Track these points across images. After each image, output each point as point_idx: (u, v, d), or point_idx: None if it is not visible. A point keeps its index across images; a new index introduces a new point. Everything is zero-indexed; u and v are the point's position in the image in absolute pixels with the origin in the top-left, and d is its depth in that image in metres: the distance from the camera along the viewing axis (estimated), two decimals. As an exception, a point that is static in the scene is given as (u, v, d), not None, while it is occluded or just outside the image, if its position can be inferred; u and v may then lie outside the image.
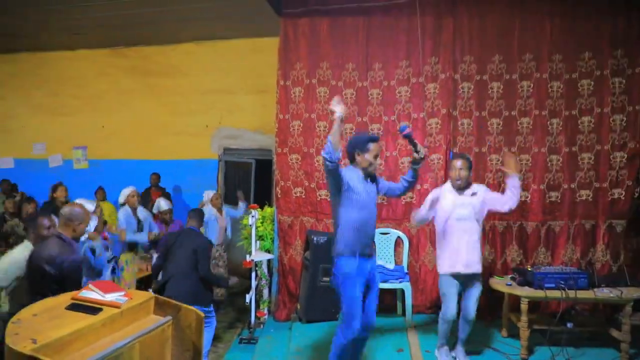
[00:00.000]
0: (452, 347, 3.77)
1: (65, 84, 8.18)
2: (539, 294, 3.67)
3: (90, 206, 3.78)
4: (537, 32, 4.57)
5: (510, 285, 3.88)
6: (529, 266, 4.14)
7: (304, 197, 4.91)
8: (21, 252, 3.27)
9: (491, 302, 4.38)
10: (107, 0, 5.71)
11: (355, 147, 3.15)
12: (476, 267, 3.56)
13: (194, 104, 7.50)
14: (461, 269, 3.52)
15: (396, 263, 4.78)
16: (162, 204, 5.55)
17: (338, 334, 3.14)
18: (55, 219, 3.36)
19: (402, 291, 4.60)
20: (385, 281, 4.40)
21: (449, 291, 3.56)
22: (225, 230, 5.80)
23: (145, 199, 6.31)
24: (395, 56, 4.80)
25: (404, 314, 4.61)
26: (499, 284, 3.98)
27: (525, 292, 3.73)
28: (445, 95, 4.71)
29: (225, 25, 6.66)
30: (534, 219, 4.59)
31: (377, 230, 4.61)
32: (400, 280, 4.52)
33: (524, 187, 4.45)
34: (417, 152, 3.14)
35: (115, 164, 7.79)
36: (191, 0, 5.62)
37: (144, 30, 6.97)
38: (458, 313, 3.61)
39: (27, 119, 8.42)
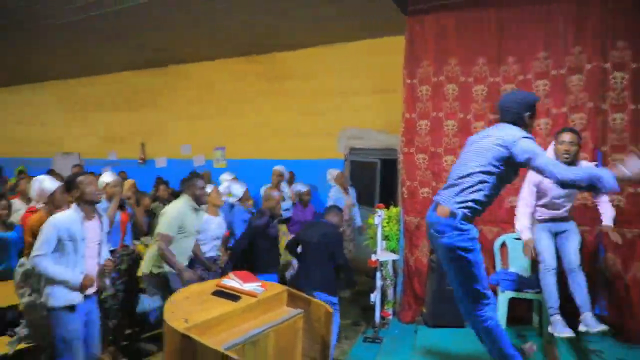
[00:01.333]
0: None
1: (207, 91, 9.10)
2: None
3: None
4: None
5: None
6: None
7: (431, 197, 4.77)
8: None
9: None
10: (238, 14, 6.18)
11: (527, 109, 2.81)
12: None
13: (321, 105, 7.77)
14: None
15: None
16: (300, 186, 6.34)
17: (489, 317, 2.75)
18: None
19: (539, 302, 4.22)
20: (519, 290, 4.08)
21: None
22: (352, 210, 6.35)
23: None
24: (532, 47, 4.41)
25: (540, 326, 4.22)
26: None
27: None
28: (592, 88, 4.21)
29: (349, 28, 6.79)
30: None
31: (511, 235, 4.32)
32: (537, 291, 4.14)
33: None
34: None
35: (251, 163, 8.43)
36: (316, 4, 5.82)
37: (274, 38, 7.42)
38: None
39: (176, 124, 9.56)
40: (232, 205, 5.31)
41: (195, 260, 4.14)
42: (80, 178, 3.07)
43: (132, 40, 7.60)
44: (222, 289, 2.78)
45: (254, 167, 8.20)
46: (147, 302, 5.09)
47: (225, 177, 6.25)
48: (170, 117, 9.64)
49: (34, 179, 3.88)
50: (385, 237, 4.85)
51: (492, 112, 4.54)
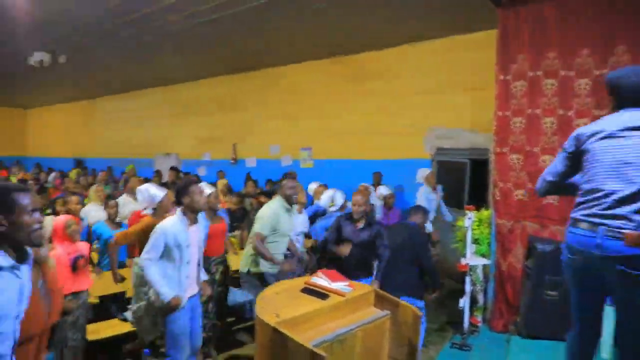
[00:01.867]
0: None
1: (294, 92, 9.35)
2: None
3: None
4: None
5: None
6: None
7: (526, 200, 4.50)
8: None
9: None
10: (328, 16, 6.27)
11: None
12: None
13: (407, 105, 7.65)
14: None
15: None
16: (383, 190, 6.36)
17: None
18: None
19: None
20: None
21: None
22: (439, 208, 6.32)
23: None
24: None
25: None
26: None
27: None
28: None
29: (436, 24, 6.61)
30: None
31: None
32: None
33: None
34: None
35: (336, 163, 8.53)
36: (404, 1, 5.73)
37: (361, 38, 7.44)
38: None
39: (265, 125, 9.95)
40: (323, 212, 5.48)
41: (289, 257, 4.28)
42: (192, 187, 3.28)
43: (230, 45, 8.03)
44: (311, 287, 2.85)
45: (340, 167, 8.30)
46: (238, 295, 5.37)
47: (313, 187, 6.37)
48: (260, 119, 10.06)
49: (141, 186, 4.17)
50: (475, 241, 4.66)
51: (597, 108, 4.18)
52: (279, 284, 2.98)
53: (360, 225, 3.99)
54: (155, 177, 9.06)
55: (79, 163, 15.16)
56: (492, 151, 4.80)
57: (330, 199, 5.43)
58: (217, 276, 4.32)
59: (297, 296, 2.77)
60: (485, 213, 4.75)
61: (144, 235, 3.67)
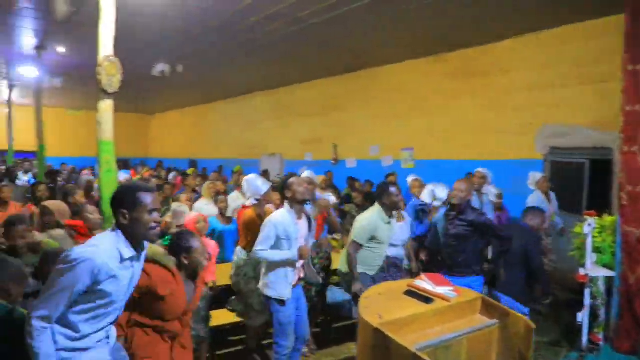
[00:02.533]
0: None
1: (395, 92, 9.26)
2: None
3: None
4: None
5: None
6: None
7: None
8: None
9: None
10: (433, 9, 6.09)
11: None
12: None
13: (516, 101, 7.18)
14: None
15: None
16: (493, 190, 5.96)
17: None
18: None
19: None
20: None
21: None
22: (554, 217, 5.80)
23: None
24: None
25: None
26: None
27: None
28: None
29: (548, 14, 6.10)
30: None
31: None
32: None
33: None
34: None
35: (439, 164, 8.28)
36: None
37: (465, 34, 7.14)
38: None
39: (366, 125, 9.99)
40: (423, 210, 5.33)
41: (390, 265, 4.24)
42: (291, 180, 3.44)
43: (335, 47, 8.19)
44: (415, 290, 2.80)
45: (443, 168, 8.03)
46: (338, 294, 5.46)
47: (409, 180, 6.22)
48: (360, 120, 10.12)
49: (246, 177, 4.40)
50: (597, 250, 4.23)
51: None
52: (382, 285, 2.97)
53: (458, 215, 3.83)
54: (263, 176, 9.55)
55: (192, 163, 16.50)
56: (618, 150, 4.32)
57: (432, 193, 5.23)
58: (318, 263, 4.40)
59: (400, 298, 2.74)
60: (608, 219, 4.29)
61: (245, 227, 4.01)
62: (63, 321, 1.92)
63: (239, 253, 4.13)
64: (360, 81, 10.04)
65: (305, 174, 4.84)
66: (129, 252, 2.00)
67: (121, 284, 1.99)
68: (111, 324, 2.11)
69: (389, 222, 3.95)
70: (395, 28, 6.94)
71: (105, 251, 1.92)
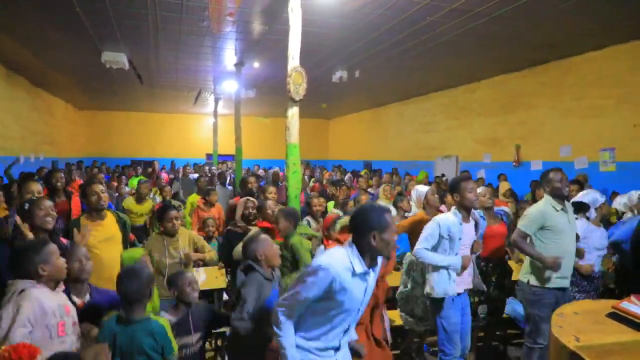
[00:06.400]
0: None
1: (591, 85, 8.09)
2: None
3: None
4: None
5: None
6: None
7: None
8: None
9: None
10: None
11: None
12: None
13: None
14: None
15: None
16: None
17: None
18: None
19: None
20: None
21: None
22: None
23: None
24: None
25: None
26: None
27: None
28: None
29: None
30: None
31: None
32: None
33: None
34: None
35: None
36: None
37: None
38: None
39: (555, 124, 8.92)
40: None
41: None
42: (462, 184, 3.29)
43: (512, 42, 7.59)
44: (621, 313, 2.39)
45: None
46: (517, 306, 5.00)
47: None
48: (548, 118, 9.09)
49: (413, 189, 4.76)
50: None
51: None
52: (578, 304, 2.61)
53: None
54: (437, 179, 9.34)
55: (367, 165, 17.00)
56: None
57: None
58: (492, 277, 4.12)
59: (602, 321, 2.36)
60: None
61: (411, 227, 4.03)
62: (301, 324, 2.15)
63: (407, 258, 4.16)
64: (551, 74, 9.00)
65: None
66: (361, 267, 2.09)
67: (353, 295, 2.10)
68: (345, 332, 2.24)
69: (560, 209, 3.52)
70: (590, 11, 6.06)
71: (339, 263, 2.06)
